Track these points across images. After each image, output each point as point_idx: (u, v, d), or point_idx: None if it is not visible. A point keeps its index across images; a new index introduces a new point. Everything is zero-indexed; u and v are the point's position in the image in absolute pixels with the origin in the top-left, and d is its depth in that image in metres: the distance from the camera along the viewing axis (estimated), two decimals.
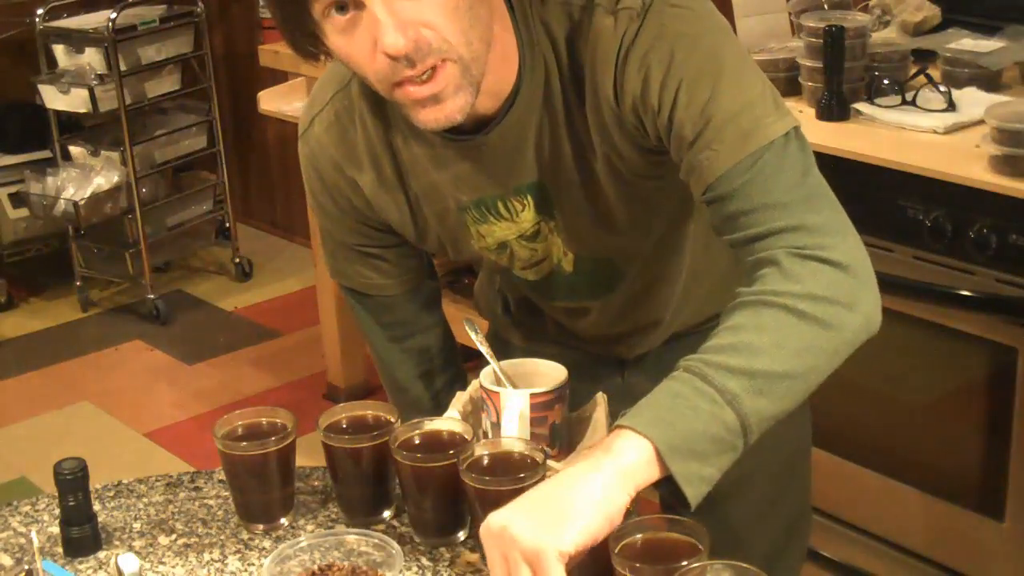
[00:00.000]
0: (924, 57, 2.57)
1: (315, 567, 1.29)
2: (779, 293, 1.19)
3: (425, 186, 1.42)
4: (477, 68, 1.24)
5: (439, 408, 1.52)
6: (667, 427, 1.15)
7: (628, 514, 1.22)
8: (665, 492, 1.18)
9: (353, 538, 1.32)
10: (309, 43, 1.25)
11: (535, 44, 1.31)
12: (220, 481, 1.53)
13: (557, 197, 1.39)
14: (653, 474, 1.15)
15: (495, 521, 1.14)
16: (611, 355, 1.59)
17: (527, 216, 1.41)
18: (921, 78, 2.46)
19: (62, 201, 4.18)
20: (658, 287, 1.51)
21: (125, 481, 1.55)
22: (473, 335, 1.51)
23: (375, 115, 1.41)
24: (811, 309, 1.19)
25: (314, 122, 1.46)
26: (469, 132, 1.33)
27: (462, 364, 1.68)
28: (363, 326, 1.63)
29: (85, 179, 4.20)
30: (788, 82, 2.59)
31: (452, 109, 1.25)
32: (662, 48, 1.25)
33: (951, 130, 2.31)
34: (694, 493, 1.16)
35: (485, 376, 1.43)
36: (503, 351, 1.51)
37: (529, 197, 1.39)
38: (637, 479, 1.15)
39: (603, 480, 1.14)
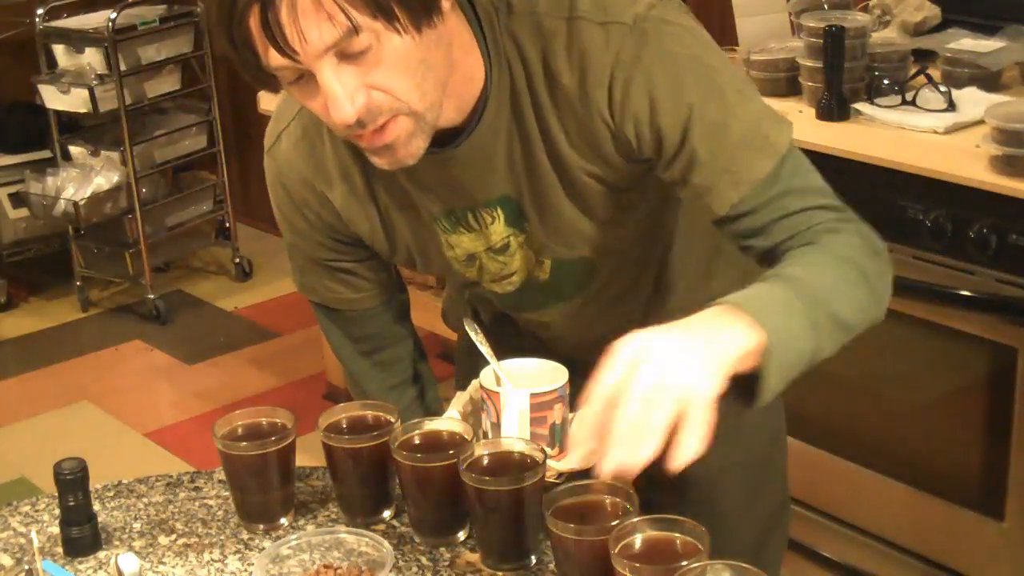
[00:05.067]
0: (924, 57, 2.57)
1: (316, 567, 1.29)
2: (855, 255, 1.27)
3: (396, 196, 1.42)
4: (432, 114, 1.24)
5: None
6: (778, 331, 1.16)
7: (628, 513, 1.22)
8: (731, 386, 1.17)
9: (351, 538, 1.32)
10: (270, 89, 1.25)
11: (501, 57, 1.30)
12: (220, 481, 1.53)
13: (533, 206, 1.38)
14: (744, 368, 1.15)
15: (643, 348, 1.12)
16: (586, 363, 1.58)
17: (497, 229, 1.41)
18: (921, 78, 2.46)
19: (62, 201, 4.18)
20: (630, 291, 1.51)
21: (125, 481, 1.55)
22: (473, 335, 1.51)
23: None
24: (874, 276, 1.28)
25: (281, 137, 1.45)
26: (437, 144, 1.32)
27: (433, 374, 1.68)
28: (332, 340, 1.62)
29: (85, 179, 4.21)
30: (788, 82, 2.59)
31: (405, 155, 1.25)
32: (667, 71, 1.26)
33: (951, 130, 2.31)
34: (763, 400, 1.17)
35: (485, 376, 1.43)
36: (476, 364, 1.51)
37: (499, 209, 1.39)
38: (734, 370, 1.15)
39: (726, 350, 1.14)
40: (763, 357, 1.14)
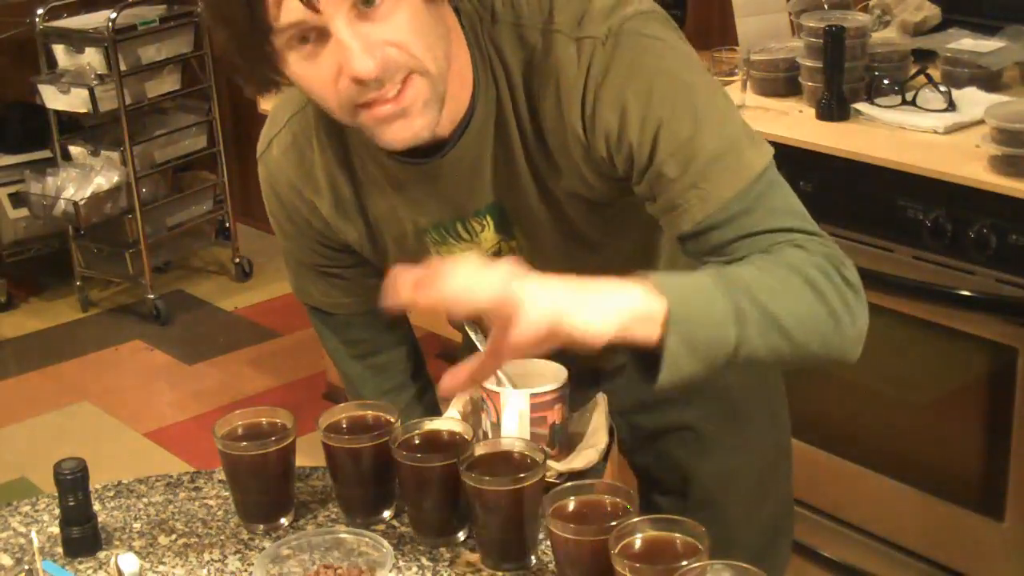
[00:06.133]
0: (924, 57, 2.57)
1: (316, 567, 1.29)
2: (805, 267, 1.20)
3: (384, 209, 1.41)
4: (443, 83, 1.24)
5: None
6: (685, 304, 1.14)
7: (628, 513, 1.22)
8: (633, 359, 1.17)
9: (351, 538, 1.32)
10: (269, 73, 1.23)
11: (487, 65, 1.30)
12: (220, 481, 1.53)
13: (517, 218, 1.38)
14: (647, 334, 1.13)
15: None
16: (587, 366, 1.58)
17: (487, 236, 1.40)
18: (921, 78, 2.46)
19: (62, 201, 4.18)
20: None
21: (125, 481, 1.55)
22: (473, 335, 1.51)
23: (332, 137, 1.40)
24: (830, 293, 1.20)
25: (272, 144, 1.45)
26: (424, 155, 1.32)
27: (429, 378, 1.67)
28: (327, 344, 1.62)
29: (85, 179, 4.20)
30: (788, 82, 2.59)
31: (420, 125, 1.24)
32: (638, 84, 1.24)
33: (951, 130, 2.31)
34: (668, 377, 1.14)
35: None
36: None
37: (488, 218, 1.38)
38: (631, 329, 1.13)
39: (613, 303, 1.12)
40: (666, 327, 1.13)
